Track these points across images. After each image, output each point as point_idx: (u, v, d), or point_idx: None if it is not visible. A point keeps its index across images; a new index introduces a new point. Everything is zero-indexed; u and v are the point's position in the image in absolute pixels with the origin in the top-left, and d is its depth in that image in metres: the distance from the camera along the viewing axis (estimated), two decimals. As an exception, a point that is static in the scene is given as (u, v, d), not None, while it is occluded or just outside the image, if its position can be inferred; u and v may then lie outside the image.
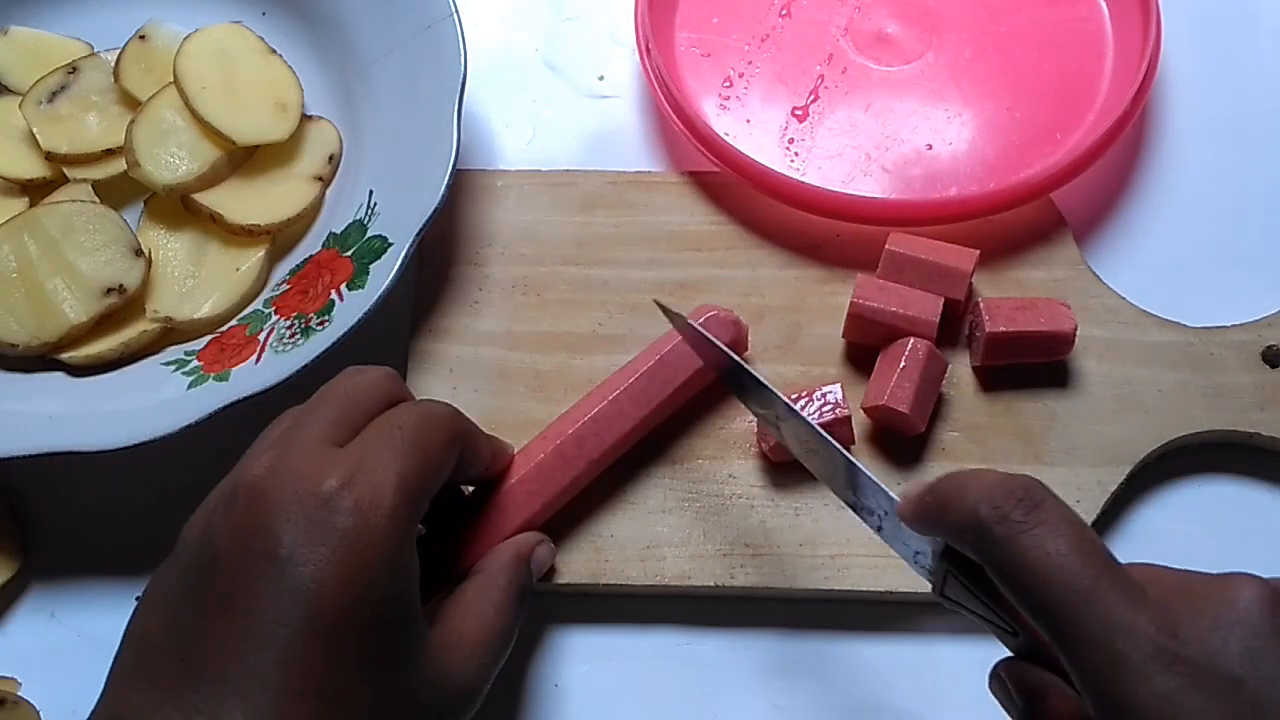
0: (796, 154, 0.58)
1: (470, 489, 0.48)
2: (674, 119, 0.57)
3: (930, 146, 0.58)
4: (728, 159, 0.55)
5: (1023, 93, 0.59)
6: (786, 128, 0.59)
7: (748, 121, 0.59)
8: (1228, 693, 0.30)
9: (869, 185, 0.57)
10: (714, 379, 0.50)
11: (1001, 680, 0.37)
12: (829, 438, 0.42)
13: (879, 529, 0.42)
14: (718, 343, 0.46)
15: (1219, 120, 0.60)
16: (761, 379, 0.44)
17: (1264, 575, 0.47)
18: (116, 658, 0.38)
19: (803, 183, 0.54)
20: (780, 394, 0.44)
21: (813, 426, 0.43)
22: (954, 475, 0.37)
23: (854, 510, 0.43)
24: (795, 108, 0.59)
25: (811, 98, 0.59)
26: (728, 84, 0.60)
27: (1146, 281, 0.54)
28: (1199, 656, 0.31)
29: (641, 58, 0.58)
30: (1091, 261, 0.54)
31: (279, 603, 0.36)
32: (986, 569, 0.35)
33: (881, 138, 0.58)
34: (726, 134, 0.57)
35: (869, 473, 0.41)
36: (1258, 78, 0.61)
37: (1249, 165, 0.58)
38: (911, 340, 0.49)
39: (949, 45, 0.60)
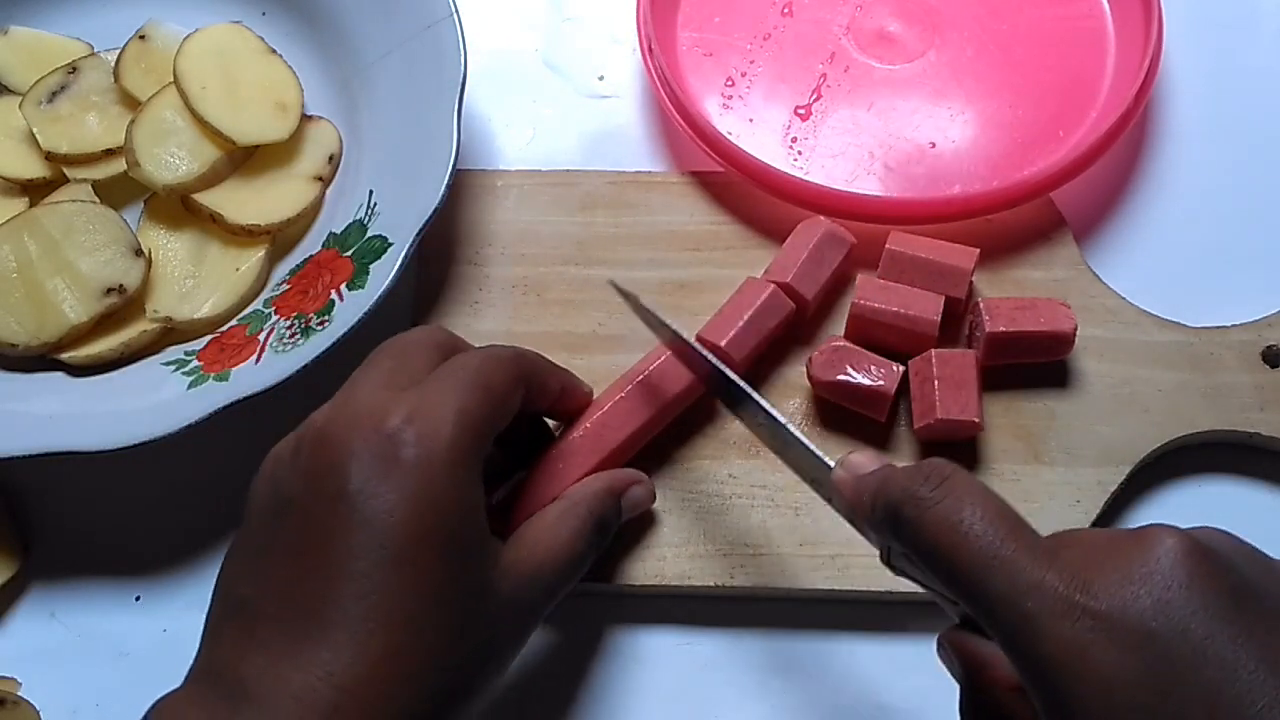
0: (800, 153, 0.58)
1: (555, 428, 0.49)
2: (677, 119, 0.57)
3: (933, 145, 0.58)
4: (731, 158, 0.55)
5: (1025, 91, 0.59)
6: (789, 126, 0.59)
7: (750, 120, 0.59)
8: (1140, 645, 0.30)
9: (872, 184, 0.57)
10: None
11: (945, 648, 0.37)
12: (767, 406, 0.44)
13: (830, 501, 0.42)
14: (657, 313, 0.47)
15: (1219, 120, 0.60)
16: (688, 338, 0.47)
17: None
18: (208, 615, 0.39)
19: (806, 181, 0.54)
20: (712, 359, 0.46)
21: (754, 397, 0.44)
22: (879, 471, 0.38)
23: (812, 486, 0.44)
24: (798, 106, 0.59)
25: (814, 96, 0.59)
26: (730, 83, 0.60)
27: (1146, 281, 0.54)
28: (1110, 610, 0.30)
29: (644, 57, 0.58)
30: (1091, 261, 0.54)
31: (352, 537, 0.37)
32: (909, 553, 0.36)
33: (884, 136, 0.58)
34: (730, 133, 0.57)
35: (812, 445, 0.42)
36: (1258, 78, 0.61)
37: (1249, 165, 0.58)
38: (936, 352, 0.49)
39: (951, 44, 0.60)
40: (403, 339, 0.43)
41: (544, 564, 0.42)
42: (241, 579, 0.39)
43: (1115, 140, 0.55)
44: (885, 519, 0.36)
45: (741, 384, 0.45)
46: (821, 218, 0.53)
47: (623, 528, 0.49)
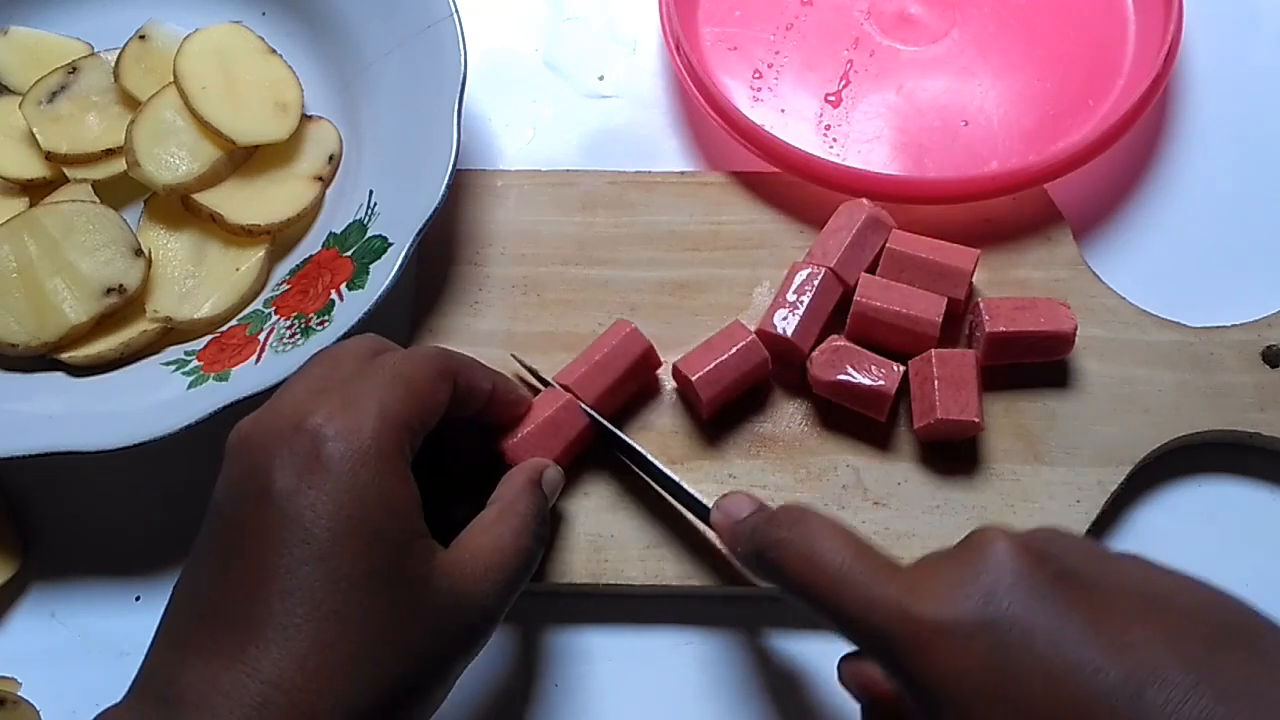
0: (835, 139, 0.58)
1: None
2: (711, 115, 0.57)
3: (966, 123, 0.58)
4: (770, 150, 0.55)
5: (1050, 63, 0.59)
6: (822, 115, 0.59)
7: (782, 111, 0.59)
8: (975, 636, 0.32)
9: (910, 165, 0.57)
10: None
11: (842, 673, 0.40)
12: (655, 461, 0.48)
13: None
14: (547, 378, 0.51)
15: (1220, 121, 0.60)
16: (595, 415, 0.49)
17: (1262, 575, 0.48)
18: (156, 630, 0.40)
19: (852, 168, 0.55)
20: (593, 413, 0.49)
21: (633, 445, 0.48)
22: (751, 518, 0.41)
23: (701, 522, 0.47)
24: (828, 94, 0.59)
25: (843, 83, 0.60)
26: (758, 75, 0.60)
27: (1146, 281, 0.54)
28: (945, 611, 0.33)
29: (671, 55, 0.58)
30: (1091, 261, 0.54)
31: (276, 536, 0.37)
32: (779, 589, 0.39)
33: (917, 117, 0.58)
34: (764, 126, 0.57)
35: (690, 488, 0.46)
36: (1263, 79, 0.61)
37: (1250, 165, 0.58)
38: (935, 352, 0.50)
39: (972, 21, 0.61)
40: (332, 348, 0.44)
41: (490, 565, 0.41)
42: (180, 591, 0.39)
43: (1148, 105, 0.55)
44: (755, 563, 0.40)
45: (619, 433, 0.48)
46: (864, 200, 0.53)
47: (624, 528, 0.49)
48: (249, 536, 0.37)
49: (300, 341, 0.50)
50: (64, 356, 0.53)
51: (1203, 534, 0.50)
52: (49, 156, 0.56)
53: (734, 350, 0.50)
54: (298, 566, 0.36)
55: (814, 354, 0.50)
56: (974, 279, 0.52)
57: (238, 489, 0.39)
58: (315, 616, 0.36)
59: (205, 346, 0.53)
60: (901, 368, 0.50)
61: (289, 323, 0.52)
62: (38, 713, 0.49)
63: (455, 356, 0.44)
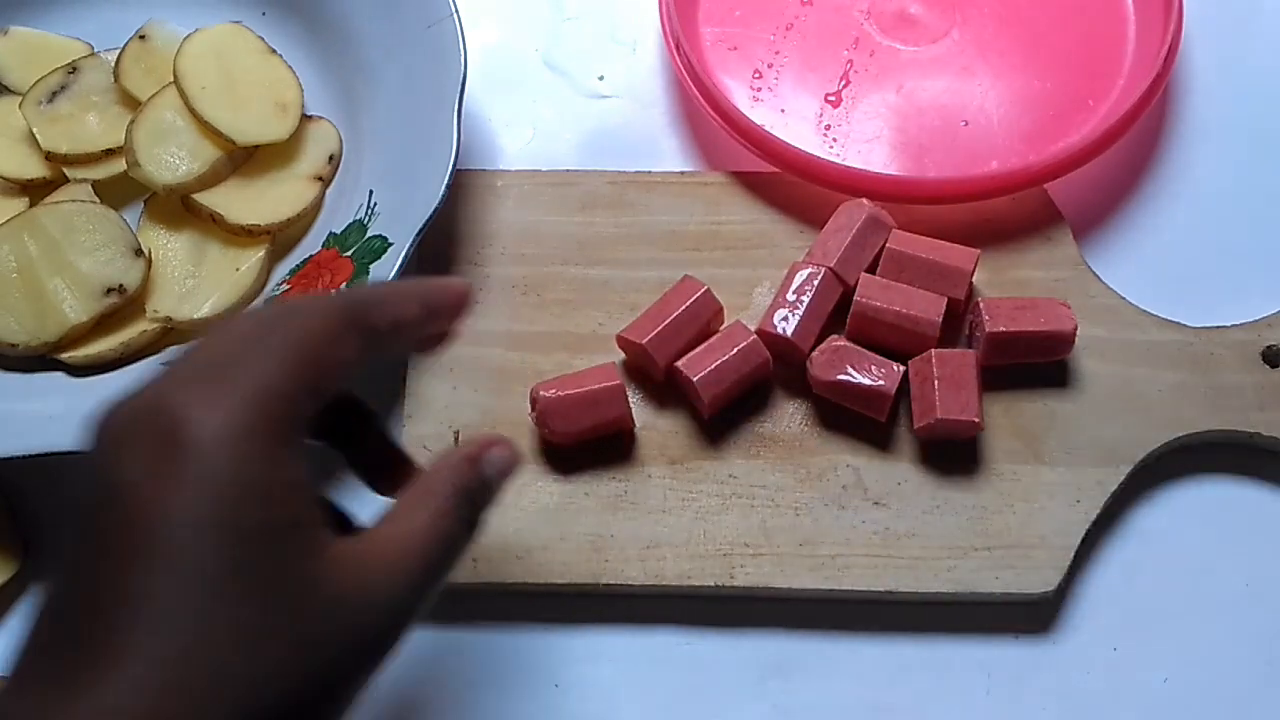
0: (835, 140, 0.58)
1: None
2: (711, 114, 0.57)
3: (966, 123, 0.58)
4: (770, 150, 0.55)
5: (1051, 63, 0.60)
6: (822, 115, 0.59)
7: (782, 111, 0.59)
8: None
9: (910, 165, 0.57)
10: None
11: None
12: None
13: None
14: None
15: (1221, 120, 0.60)
16: None
17: (1262, 576, 0.47)
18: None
19: (850, 168, 0.55)
20: None
21: None
22: None
23: None
24: (828, 94, 0.59)
25: (843, 83, 0.60)
26: (758, 75, 0.60)
27: (1146, 281, 0.54)
28: None
29: (671, 54, 0.58)
30: (1091, 260, 0.54)
31: (119, 537, 0.31)
32: None
33: (917, 117, 0.59)
34: (764, 125, 0.57)
35: None
36: (1263, 79, 0.61)
37: (1250, 165, 0.58)
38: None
39: (973, 21, 0.61)
40: (228, 320, 0.38)
41: (399, 554, 0.34)
42: (31, 613, 0.33)
43: (1148, 105, 0.55)
44: None
45: None
46: (864, 200, 0.53)
47: (624, 528, 0.49)
48: (93, 542, 0.31)
49: (300, 341, 0.50)
50: (64, 356, 0.53)
51: (1203, 534, 0.50)
52: (49, 156, 0.56)
53: (735, 350, 0.50)
54: (144, 573, 0.30)
55: (814, 354, 0.50)
56: (974, 279, 0.52)
57: (88, 489, 0.32)
58: (164, 631, 0.30)
59: (205, 346, 0.53)
60: (901, 368, 0.50)
61: (289, 323, 0.52)
62: (37, 713, 0.48)
63: (363, 297, 0.37)
